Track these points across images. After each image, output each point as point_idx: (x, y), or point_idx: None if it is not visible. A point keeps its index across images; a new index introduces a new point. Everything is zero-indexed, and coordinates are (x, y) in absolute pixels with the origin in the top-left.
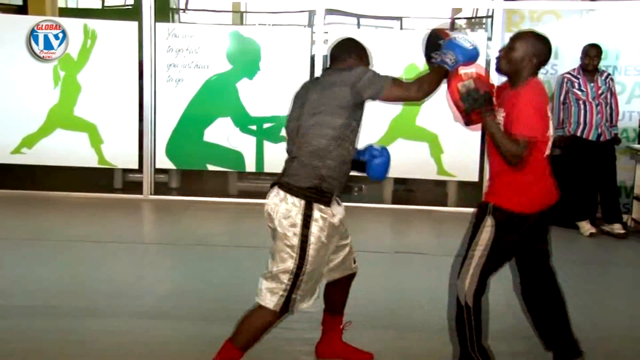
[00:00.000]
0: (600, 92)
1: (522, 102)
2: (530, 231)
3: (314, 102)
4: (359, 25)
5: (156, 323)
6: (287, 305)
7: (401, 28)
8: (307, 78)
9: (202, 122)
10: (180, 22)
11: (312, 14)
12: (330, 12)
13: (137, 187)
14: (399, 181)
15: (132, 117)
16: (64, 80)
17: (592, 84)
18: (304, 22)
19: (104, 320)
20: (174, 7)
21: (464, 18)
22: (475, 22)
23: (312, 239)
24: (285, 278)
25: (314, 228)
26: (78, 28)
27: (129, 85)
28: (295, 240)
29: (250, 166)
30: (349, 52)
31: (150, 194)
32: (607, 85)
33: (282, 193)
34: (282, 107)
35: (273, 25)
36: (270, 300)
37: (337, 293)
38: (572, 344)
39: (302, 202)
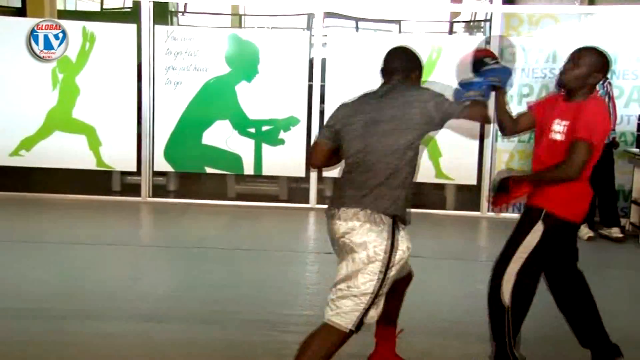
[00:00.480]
0: None
1: (590, 112)
2: (572, 239)
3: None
4: (357, 28)
5: (153, 325)
6: (361, 325)
7: (400, 31)
8: (305, 81)
9: (201, 125)
10: (179, 24)
11: (310, 17)
12: (329, 15)
13: (135, 189)
14: None
15: (130, 119)
16: (62, 83)
17: None
18: (302, 25)
19: (101, 322)
20: (173, 9)
21: (463, 21)
22: (473, 25)
23: (394, 256)
24: (366, 298)
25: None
26: (77, 30)
27: (127, 87)
28: (379, 260)
29: (248, 169)
30: (414, 66)
31: (149, 197)
32: (605, 89)
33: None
34: (281, 110)
35: (272, 28)
36: (345, 320)
37: (392, 301)
38: (610, 344)
39: (387, 223)
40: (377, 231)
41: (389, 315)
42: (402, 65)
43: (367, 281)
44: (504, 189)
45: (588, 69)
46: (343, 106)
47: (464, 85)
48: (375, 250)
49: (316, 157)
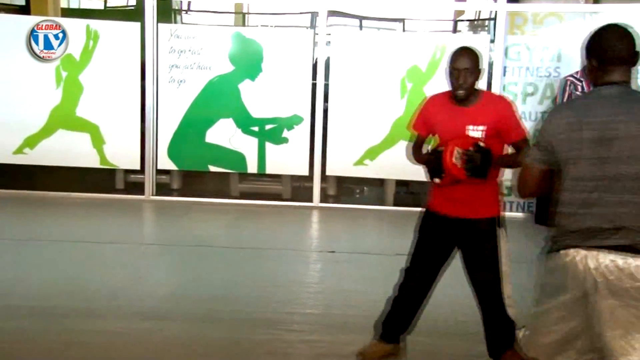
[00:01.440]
0: None
1: (510, 110)
2: None
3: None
4: (361, 27)
5: (156, 324)
6: None
7: (404, 30)
8: (309, 80)
9: (204, 123)
10: (182, 23)
11: (314, 15)
12: (332, 13)
13: (138, 187)
14: (400, 183)
15: (134, 117)
16: (66, 81)
17: None
18: (306, 24)
19: (104, 321)
20: (177, 8)
21: (467, 20)
22: (477, 24)
23: None
24: None
25: None
26: (80, 29)
27: (131, 86)
28: None
29: (252, 167)
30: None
31: (152, 195)
32: None
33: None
34: (284, 109)
35: (275, 26)
36: None
37: None
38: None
39: None
40: None
41: None
42: (631, 53)
43: None
44: (486, 163)
45: (478, 71)
46: (556, 113)
47: None
48: None
49: (528, 184)
